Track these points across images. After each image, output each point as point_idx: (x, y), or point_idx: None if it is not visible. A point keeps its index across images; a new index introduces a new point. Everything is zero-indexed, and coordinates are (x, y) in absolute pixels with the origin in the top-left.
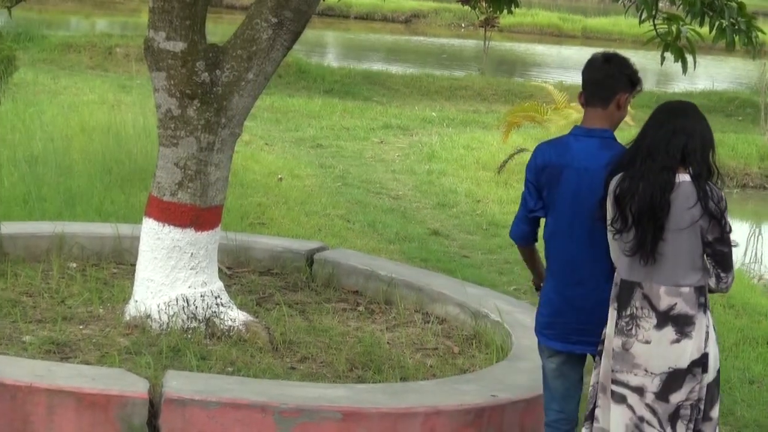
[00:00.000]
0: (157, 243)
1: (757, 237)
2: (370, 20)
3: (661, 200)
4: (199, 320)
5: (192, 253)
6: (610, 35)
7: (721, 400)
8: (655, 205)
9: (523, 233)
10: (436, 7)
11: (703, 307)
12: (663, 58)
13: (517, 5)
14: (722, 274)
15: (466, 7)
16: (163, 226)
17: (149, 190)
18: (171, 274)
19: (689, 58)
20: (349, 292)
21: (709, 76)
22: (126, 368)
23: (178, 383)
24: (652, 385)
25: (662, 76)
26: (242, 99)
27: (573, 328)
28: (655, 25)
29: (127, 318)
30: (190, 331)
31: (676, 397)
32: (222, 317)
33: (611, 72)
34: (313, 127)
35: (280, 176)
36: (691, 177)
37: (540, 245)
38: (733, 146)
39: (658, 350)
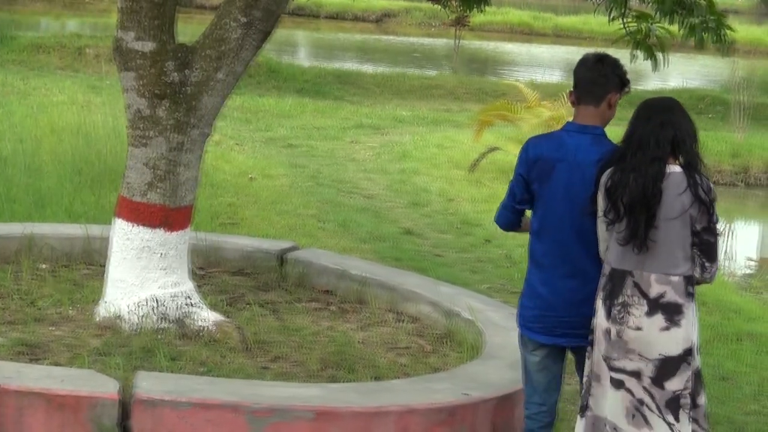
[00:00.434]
0: (127, 243)
1: (729, 234)
2: (341, 20)
3: (653, 189)
4: (170, 321)
5: (162, 254)
6: (580, 33)
7: (705, 387)
8: (647, 194)
9: (509, 221)
10: (407, 6)
11: (691, 296)
12: (633, 56)
13: (487, 4)
14: (707, 264)
15: (437, 6)
16: (133, 226)
17: (119, 191)
18: (141, 275)
19: (659, 55)
20: (321, 291)
21: (680, 74)
22: (96, 369)
23: (148, 384)
24: (647, 369)
25: (633, 74)
26: (212, 99)
27: (562, 321)
28: (625, 24)
29: (98, 319)
30: (161, 332)
31: (671, 385)
32: (193, 317)
33: (604, 72)
34: (284, 127)
35: (251, 176)
36: (682, 167)
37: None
38: (704, 144)
39: (649, 337)
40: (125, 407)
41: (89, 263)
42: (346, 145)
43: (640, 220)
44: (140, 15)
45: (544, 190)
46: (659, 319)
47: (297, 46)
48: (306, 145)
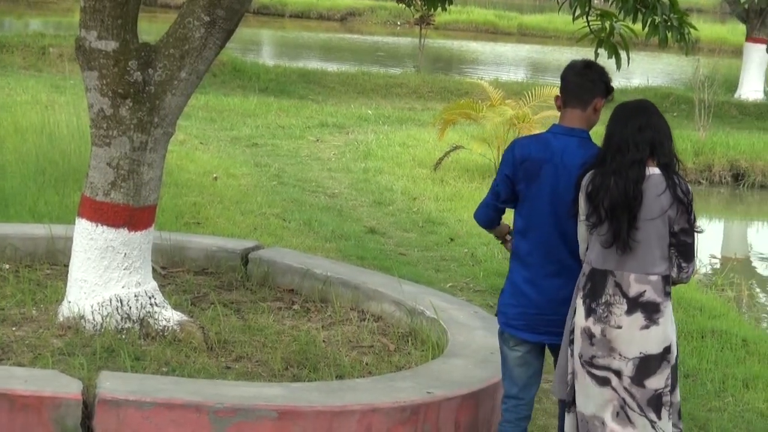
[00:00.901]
0: (90, 243)
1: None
2: (306, 18)
3: (634, 192)
4: (133, 320)
5: (125, 253)
6: (545, 32)
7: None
8: (628, 197)
9: (490, 219)
10: (372, 4)
11: (668, 295)
12: (597, 55)
13: (451, 3)
14: (684, 264)
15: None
16: (97, 226)
17: (82, 191)
18: (104, 275)
19: (623, 54)
20: (284, 290)
21: (644, 72)
22: (59, 369)
23: (112, 384)
24: (627, 369)
25: None
26: (175, 98)
27: (545, 319)
28: (588, 22)
29: (61, 319)
30: (124, 332)
31: (652, 384)
32: (156, 317)
33: (592, 77)
34: (248, 126)
35: (215, 175)
36: (660, 168)
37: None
38: None
39: (629, 335)
40: (88, 407)
41: (53, 263)
42: (310, 144)
43: (622, 223)
44: (103, 14)
45: (531, 190)
46: (639, 317)
47: (262, 45)
48: (270, 144)
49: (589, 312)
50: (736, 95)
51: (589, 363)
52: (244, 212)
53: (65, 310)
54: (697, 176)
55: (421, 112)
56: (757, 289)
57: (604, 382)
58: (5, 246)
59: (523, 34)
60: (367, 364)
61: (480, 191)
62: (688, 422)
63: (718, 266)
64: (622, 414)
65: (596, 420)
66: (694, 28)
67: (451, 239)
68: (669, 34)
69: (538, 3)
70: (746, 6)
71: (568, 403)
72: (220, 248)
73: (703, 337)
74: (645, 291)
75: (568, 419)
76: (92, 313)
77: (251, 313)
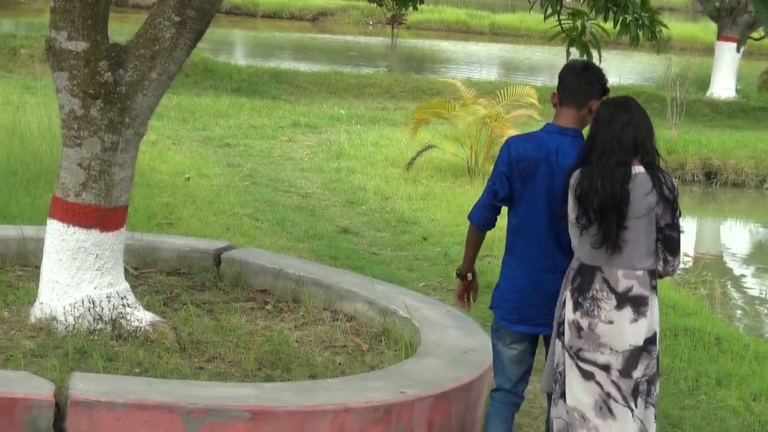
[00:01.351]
0: (61, 244)
1: None
2: (278, 18)
3: (621, 192)
4: (105, 321)
5: (97, 254)
6: (517, 31)
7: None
8: (616, 198)
9: (487, 219)
10: (344, 4)
11: (654, 289)
12: (568, 53)
13: (422, 2)
14: (669, 258)
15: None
16: (68, 227)
17: (54, 191)
18: (76, 276)
19: (594, 52)
20: (257, 291)
21: (616, 70)
22: (31, 371)
23: (84, 385)
24: (617, 362)
25: None
26: (146, 98)
27: (542, 312)
28: (560, 21)
29: (32, 320)
30: (97, 333)
31: (635, 374)
32: (128, 318)
33: (589, 79)
34: (220, 126)
35: (187, 176)
36: (645, 167)
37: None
38: None
39: (620, 330)
40: (61, 409)
41: (24, 264)
42: (282, 144)
43: (611, 224)
44: (73, 15)
45: (527, 189)
46: (628, 311)
47: (234, 45)
48: (242, 144)
49: (577, 306)
50: (707, 93)
51: (576, 356)
52: (217, 212)
53: (37, 312)
54: (670, 174)
55: (394, 112)
56: (730, 287)
57: (589, 376)
58: None
59: (495, 34)
60: (339, 364)
61: (452, 190)
62: (661, 420)
63: (690, 264)
64: (604, 408)
65: (576, 412)
66: (666, 26)
67: (424, 239)
68: (640, 33)
69: (510, 2)
70: (717, 4)
71: (560, 393)
72: (193, 249)
73: (676, 335)
74: (633, 286)
75: (560, 409)
76: (64, 314)
77: (224, 313)
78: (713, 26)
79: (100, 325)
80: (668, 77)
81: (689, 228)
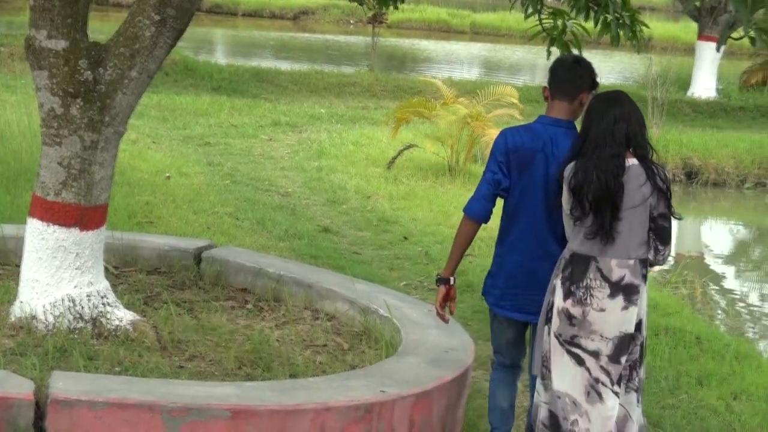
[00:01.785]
0: (41, 243)
1: None
2: (259, 17)
3: (615, 184)
4: (85, 320)
5: (77, 253)
6: (498, 31)
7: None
8: (610, 189)
9: (486, 211)
10: (324, 3)
11: (645, 277)
12: (549, 53)
13: (402, 1)
14: (660, 247)
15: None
16: (48, 225)
17: (33, 190)
18: (56, 275)
19: (575, 52)
20: (237, 290)
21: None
22: (11, 370)
23: (64, 384)
24: (606, 348)
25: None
26: (126, 97)
27: (533, 300)
28: (540, 20)
29: (12, 319)
30: (77, 332)
31: (623, 359)
32: (109, 317)
33: (580, 73)
34: (201, 125)
35: (167, 174)
36: (638, 159)
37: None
38: None
39: (612, 317)
40: (41, 408)
41: (4, 263)
42: (262, 143)
43: (605, 215)
44: (52, 13)
45: (523, 179)
46: (620, 299)
47: (214, 44)
48: (223, 143)
49: (568, 294)
50: (688, 93)
51: (568, 342)
52: (197, 211)
53: (17, 310)
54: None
55: (374, 111)
56: (711, 287)
57: (580, 361)
58: None
59: (476, 33)
60: (320, 363)
61: (433, 190)
62: None
63: (671, 264)
64: (593, 393)
65: (568, 398)
66: (646, 26)
67: (405, 238)
68: (621, 32)
69: (491, 1)
70: (698, 4)
71: (545, 382)
72: (173, 247)
73: (657, 334)
74: (625, 274)
75: (545, 394)
76: (44, 313)
77: (204, 312)
78: (694, 26)
79: (81, 324)
80: (649, 77)
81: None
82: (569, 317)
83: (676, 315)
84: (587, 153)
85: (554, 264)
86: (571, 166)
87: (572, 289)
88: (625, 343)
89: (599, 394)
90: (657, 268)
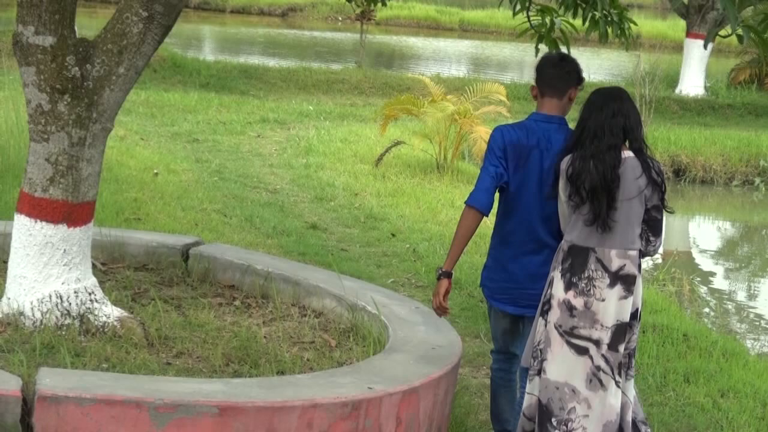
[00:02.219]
0: (29, 239)
1: None
2: (247, 14)
3: (612, 175)
4: (73, 317)
5: (65, 250)
6: (487, 28)
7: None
8: (607, 179)
9: (490, 202)
10: (313, 0)
11: (640, 267)
12: (537, 50)
13: None
14: (652, 238)
15: (343, 0)
16: (35, 222)
17: (21, 187)
18: (44, 271)
19: (563, 49)
20: (225, 286)
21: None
22: None
23: (51, 380)
24: (606, 337)
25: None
26: (113, 93)
27: (526, 293)
28: (529, 17)
29: (0, 315)
30: (64, 328)
31: (621, 348)
32: (96, 313)
33: (567, 69)
34: (189, 122)
35: (155, 171)
36: (634, 152)
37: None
38: None
39: (611, 306)
40: (28, 404)
41: None
42: (251, 140)
43: (601, 203)
44: (40, 9)
45: (519, 174)
46: (619, 289)
47: (202, 40)
48: (211, 140)
49: (569, 286)
50: (676, 91)
51: (569, 333)
52: (185, 208)
53: (4, 307)
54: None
55: (363, 108)
56: (698, 284)
57: (582, 351)
58: None
59: (465, 30)
60: (308, 359)
61: (421, 187)
62: None
63: (659, 261)
64: (594, 380)
65: (566, 387)
66: (634, 23)
67: (393, 235)
68: (609, 30)
69: None
70: (686, 1)
71: (537, 370)
72: (161, 244)
73: (644, 332)
74: (625, 265)
75: (534, 384)
76: (32, 309)
77: (192, 309)
78: (682, 23)
79: (68, 321)
80: (637, 74)
81: None
82: (570, 308)
83: (664, 312)
84: (585, 143)
85: (547, 257)
86: (567, 157)
87: (573, 280)
88: (623, 331)
89: (600, 381)
90: (647, 259)
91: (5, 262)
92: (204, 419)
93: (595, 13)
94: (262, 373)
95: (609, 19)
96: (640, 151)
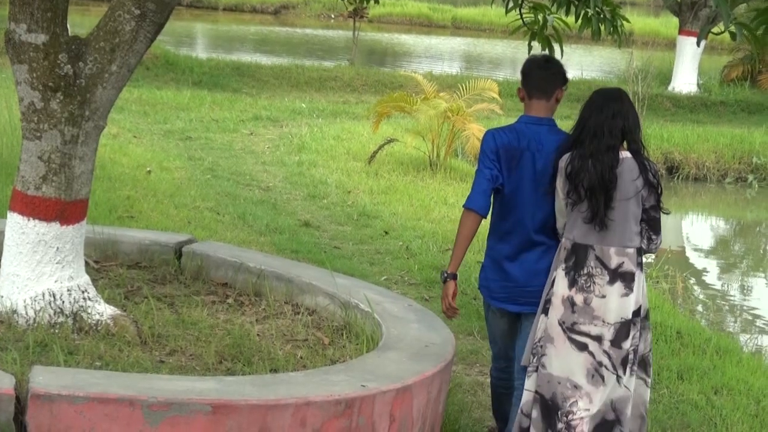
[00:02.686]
0: (22, 237)
1: None
2: (239, 11)
3: (609, 175)
4: (66, 315)
5: (58, 248)
6: (479, 25)
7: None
8: (605, 179)
9: (487, 205)
10: None
11: (640, 265)
12: (530, 47)
13: None
14: (653, 237)
15: None
16: (28, 220)
17: (14, 184)
18: (37, 269)
19: (556, 46)
20: (218, 284)
21: (578, 65)
22: None
23: (44, 378)
24: (609, 333)
25: None
26: (106, 91)
27: (524, 291)
28: (521, 15)
29: None
30: (57, 326)
31: (626, 344)
32: (89, 311)
33: (554, 71)
34: (181, 120)
35: (148, 169)
36: (631, 153)
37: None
38: None
39: (612, 303)
40: (21, 402)
41: None
42: (243, 138)
43: (599, 202)
44: (32, 7)
45: (513, 176)
46: (619, 286)
47: (195, 38)
48: (204, 138)
49: (573, 283)
50: (669, 88)
51: (570, 329)
52: (178, 206)
53: None
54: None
55: (355, 105)
56: (692, 282)
57: (582, 347)
58: None
59: (457, 27)
60: (301, 357)
61: (414, 184)
62: None
63: (652, 258)
64: (596, 375)
65: (568, 382)
66: (627, 20)
67: (386, 232)
68: (602, 27)
69: None
70: None
71: (536, 366)
72: (154, 242)
73: None
74: (623, 262)
75: (532, 380)
76: (25, 307)
77: (185, 306)
78: (675, 21)
79: (61, 319)
80: (630, 72)
81: None
82: (572, 304)
83: (657, 309)
84: (584, 142)
85: (541, 254)
86: (566, 156)
87: (575, 277)
88: (626, 329)
89: (602, 377)
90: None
91: None
92: (197, 417)
93: (588, 10)
94: (255, 371)
95: (602, 16)
96: (637, 152)
